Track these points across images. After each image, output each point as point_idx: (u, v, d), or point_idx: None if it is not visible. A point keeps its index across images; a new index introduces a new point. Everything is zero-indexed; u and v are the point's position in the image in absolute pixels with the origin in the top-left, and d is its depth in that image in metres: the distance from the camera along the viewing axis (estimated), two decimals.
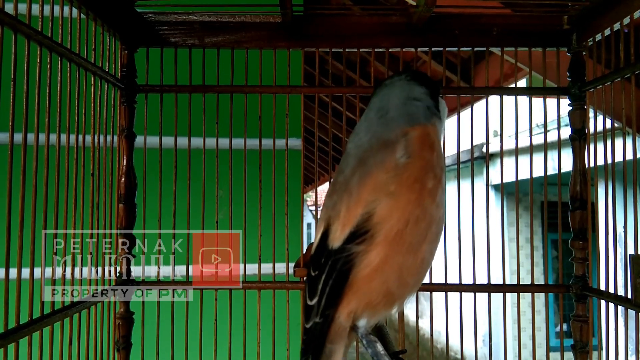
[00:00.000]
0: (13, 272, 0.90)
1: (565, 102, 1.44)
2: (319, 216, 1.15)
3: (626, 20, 1.23)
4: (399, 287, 1.00)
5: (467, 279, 1.44)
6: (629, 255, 1.22)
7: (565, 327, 1.43)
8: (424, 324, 7.93)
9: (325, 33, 1.45)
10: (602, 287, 1.34)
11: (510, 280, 1.43)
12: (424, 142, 1.01)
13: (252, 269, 1.44)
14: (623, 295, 1.24)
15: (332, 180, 1.16)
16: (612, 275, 1.32)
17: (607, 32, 1.28)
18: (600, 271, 1.35)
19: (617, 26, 1.25)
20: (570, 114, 1.41)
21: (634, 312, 1.19)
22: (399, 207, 0.97)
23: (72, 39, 1.15)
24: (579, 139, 1.39)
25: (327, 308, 1.01)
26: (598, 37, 1.32)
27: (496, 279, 1.40)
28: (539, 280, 6.88)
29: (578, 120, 1.40)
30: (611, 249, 1.30)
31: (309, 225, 14.10)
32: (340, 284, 0.99)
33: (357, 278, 0.98)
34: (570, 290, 1.40)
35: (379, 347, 1.04)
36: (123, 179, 1.42)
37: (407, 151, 0.99)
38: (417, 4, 1.29)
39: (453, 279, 1.42)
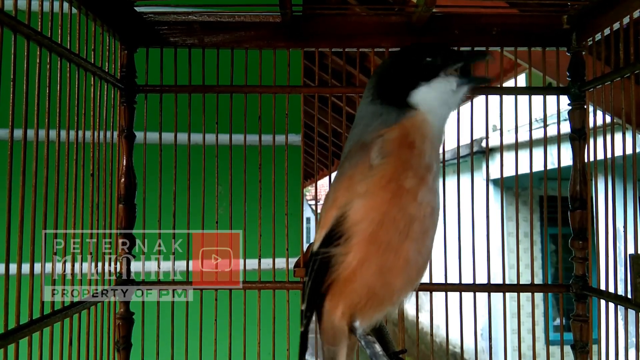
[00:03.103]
0: (13, 272, 0.90)
1: (565, 98, 1.44)
2: (319, 211, 1.15)
3: (626, 20, 1.22)
4: (383, 288, 0.99)
5: (467, 277, 1.44)
6: (629, 255, 1.22)
7: (564, 320, 1.44)
8: (424, 319, 7.95)
9: (325, 33, 1.45)
10: (602, 287, 1.34)
11: (509, 275, 1.43)
12: (401, 141, 0.98)
13: (252, 264, 1.44)
14: (623, 294, 1.24)
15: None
16: (612, 275, 1.32)
17: (607, 31, 1.28)
18: (600, 270, 1.35)
19: (616, 26, 1.25)
20: (570, 113, 1.41)
21: (634, 311, 1.19)
22: (373, 207, 0.95)
23: (71, 39, 1.14)
24: (579, 138, 1.39)
25: (309, 310, 1.02)
26: (598, 36, 1.32)
27: (495, 274, 1.40)
28: (538, 274, 6.90)
29: (578, 120, 1.40)
30: (611, 248, 1.30)
31: (307, 219, 14.11)
32: (318, 285, 1.00)
33: (339, 280, 0.98)
34: (570, 290, 1.41)
35: (377, 348, 1.04)
36: (123, 179, 1.42)
37: (382, 152, 0.97)
38: (416, 4, 1.28)
39: (453, 277, 1.42)
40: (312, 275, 1.01)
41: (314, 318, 1.06)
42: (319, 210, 1.16)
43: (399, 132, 0.99)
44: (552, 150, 1.41)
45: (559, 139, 1.44)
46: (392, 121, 1.01)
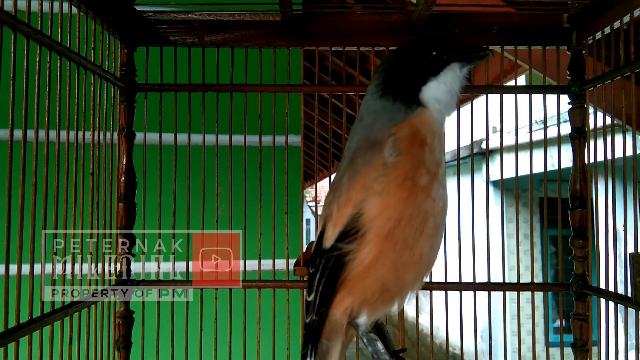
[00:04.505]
0: (13, 272, 0.90)
1: (565, 98, 1.44)
2: (319, 213, 1.15)
3: (626, 19, 1.22)
4: (396, 283, 1.00)
5: (467, 277, 1.44)
6: (629, 253, 1.22)
7: (564, 322, 1.44)
8: (424, 320, 7.94)
9: (325, 32, 1.45)
10: (602, 286, 1.34)
11: (509, 276, 1.43)
12: (413, 139, 0.99)
13: (252, 265, 1.44)
14: (623, 293, 1.24)
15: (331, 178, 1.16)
16: (612, 274, 1.32)
17: (607, 30, 1.28)
18: (600, 269, 1.35)
19: (617, 24, 1.25)
20: (570, 112, 1.41)
21: (633, 310, 1.19)
22: (389, 205, 0.96)
23: (71, 38, 1.14)
24: (579, 137, 1.39)
25: (321, 306, 1.02)
26: (598, 35, 1.32)
27: (495, 275, 1.40)
28: (538, 276, 6.89)
29: (578, 119, 1.40)
30: (611, 247, 1.30)
31: (307, 221, 14.11)
32: (332, 282, 1.00)
33: (351, 276, 0.98)
34: (570, 289, 1.40)
35: (379, 346, 1.04)
36: (123, 178, 1.42)
37: (396, 149, 0.98)
38: (416, 3, 1.28)
39: (453, 277, 1.42)
40: (325, 272, 1.01)
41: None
42: (319, 211, 1.16)
43: (409, 130, 1.00)
44: (552, 151, 1.41)
45: (559, 141, 1.44)
46: (401, 118, 1.02)
